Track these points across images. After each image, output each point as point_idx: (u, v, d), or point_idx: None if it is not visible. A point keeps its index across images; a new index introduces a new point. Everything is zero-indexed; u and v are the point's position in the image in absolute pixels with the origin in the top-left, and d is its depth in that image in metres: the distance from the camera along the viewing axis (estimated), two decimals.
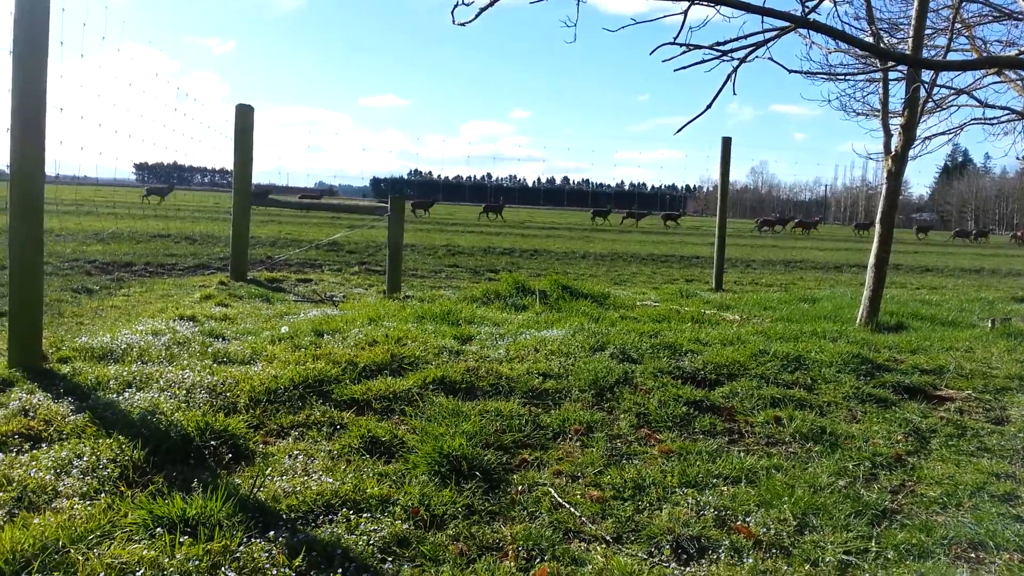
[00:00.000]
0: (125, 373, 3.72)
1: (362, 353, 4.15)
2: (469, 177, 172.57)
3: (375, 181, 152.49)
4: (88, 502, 2.37)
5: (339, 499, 2.52)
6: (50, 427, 3.01)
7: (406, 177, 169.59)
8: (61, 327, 5.18)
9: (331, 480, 2.65)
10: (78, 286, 7.35)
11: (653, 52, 4.93)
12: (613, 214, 50.77)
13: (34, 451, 2.78)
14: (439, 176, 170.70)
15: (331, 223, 22.43)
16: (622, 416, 3.54)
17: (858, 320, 6.19)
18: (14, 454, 2.75)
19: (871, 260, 6.16)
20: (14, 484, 2.44)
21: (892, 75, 6.69)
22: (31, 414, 3.13)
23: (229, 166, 8.63)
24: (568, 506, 2.61)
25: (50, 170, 4.08)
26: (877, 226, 6.21)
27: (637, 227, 42.61)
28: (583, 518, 2.54)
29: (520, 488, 2.74)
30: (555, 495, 2.68)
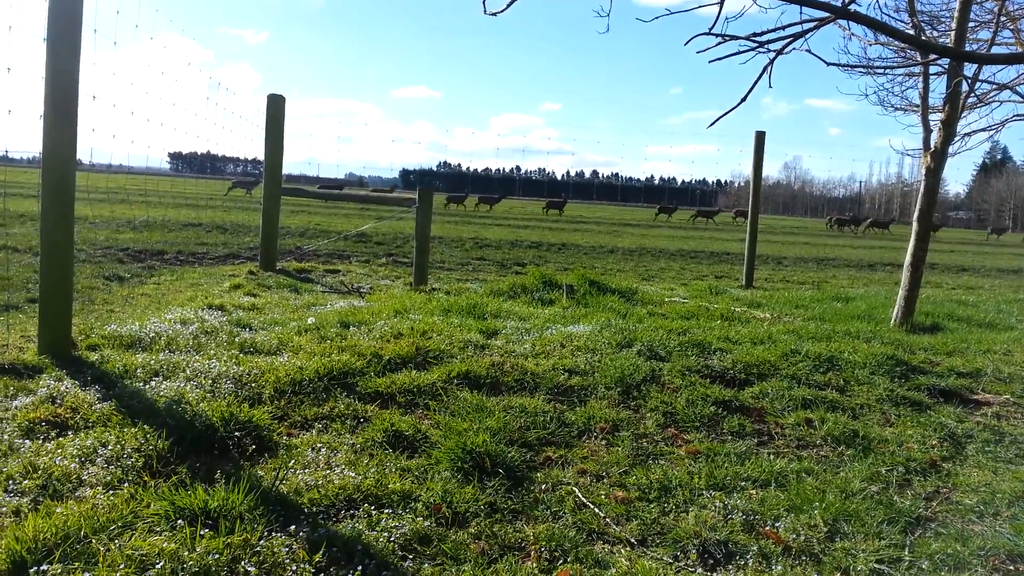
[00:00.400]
0: (152, 362, 3.74)
1: (387, 346, 4.14)
2: (498, 170, 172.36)
3: (404, 173, 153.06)
4: (111, 492, 2.37)
5: (361, 494, 2.50)
6: (77, 415, 3.03)
7: (435, 169, 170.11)
8: (91, 314, 5.24)
9: (353, 474, 2.63)
10: (110, 273, 7.44)
11: (688, 43, 4.84)
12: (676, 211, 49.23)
13: (60, 439, 2.80)
14: (468, 168, 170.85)
15: (360, 214, 22.55)
16: (649, 415, 3.48)
17: (892, 320, 6.05)
18: (41, 441, 2.77)
19: (907, 259, 6.01)
20: (39, 472, 2.46)
21: (932, 69, 6.51)
22: (58, 401, 3.15)
23: (261, 156, 8.68)
24: (592, 506, 2.56)
25: (84, 157, 4.12)
26: (914, 224, 6.05)
27: (667, 222, 42.03)
28: (607, 519, 2.49)
29: (544, 487, 2.70)
30: (579, 495, 2.64)
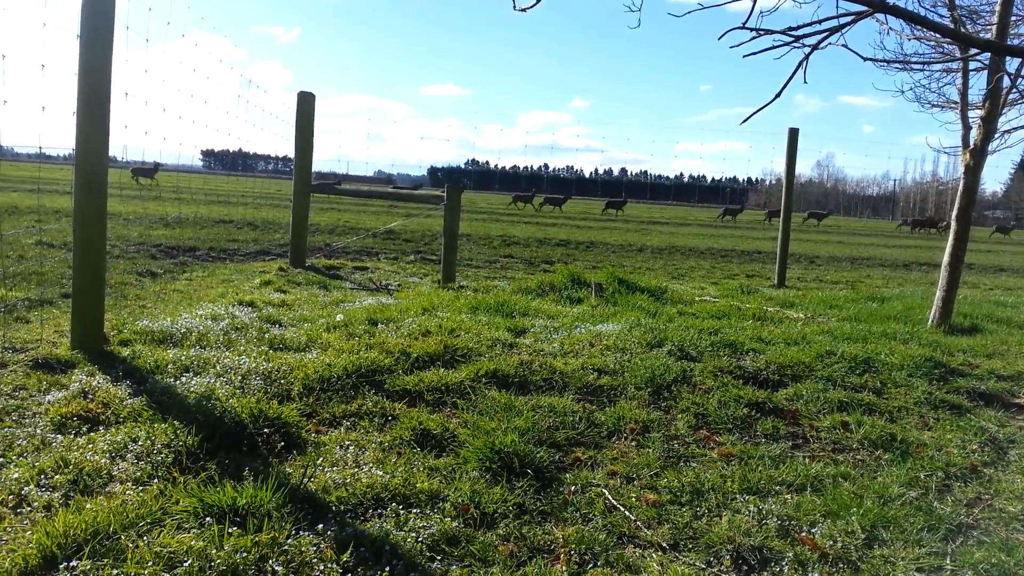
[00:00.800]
0: (183, 357, 3.77)
1: (415, 343, 4.12)
2: (526, 167, 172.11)
3: (432, 170, 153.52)
4: (141, 488, 2.38)
5: (389, 493, 2.48)
6: (108, 410, 3.05)
7: (463, 167, 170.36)
8: (124, 309, 5.30)
9: (381, 473, 2.61)
10: (143, 269, 7.54)
11: (722, 37, 4.76)
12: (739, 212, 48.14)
13: (91, 434, 2.82)
14: (496, 166, 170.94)
15: (389, 211, 22.64)
16: (680, 416, 3.42)
17: (930, 321, 5.91)
18: (72, 436, 2.79)
19: (945, 259, 5.87)
20: (71, 467, 2.47)
21: (972, 65, 6.34)
22: (90, 396, 3.18)
23: (291, 153, 8.73)
24: (623, 509, 2.52)
25: (117, 154, 4.16)
26: (952, 223, 5.90)
27: (697, 220, 41.46)
28: (638, 522, 2.45)
29: (573, 488, 2.66)
30: (609, 497, 2.60)
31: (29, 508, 2.23)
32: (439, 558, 2.14)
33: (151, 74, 5.16)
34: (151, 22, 4.65)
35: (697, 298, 7.01)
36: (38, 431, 2.83)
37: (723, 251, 17.09)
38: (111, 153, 4.15)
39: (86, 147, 3.92)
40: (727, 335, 4.64)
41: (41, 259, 7.47)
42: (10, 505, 2.25)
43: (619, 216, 38.28)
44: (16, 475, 2.41)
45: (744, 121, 4.15)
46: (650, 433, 3.21)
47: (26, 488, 2.33)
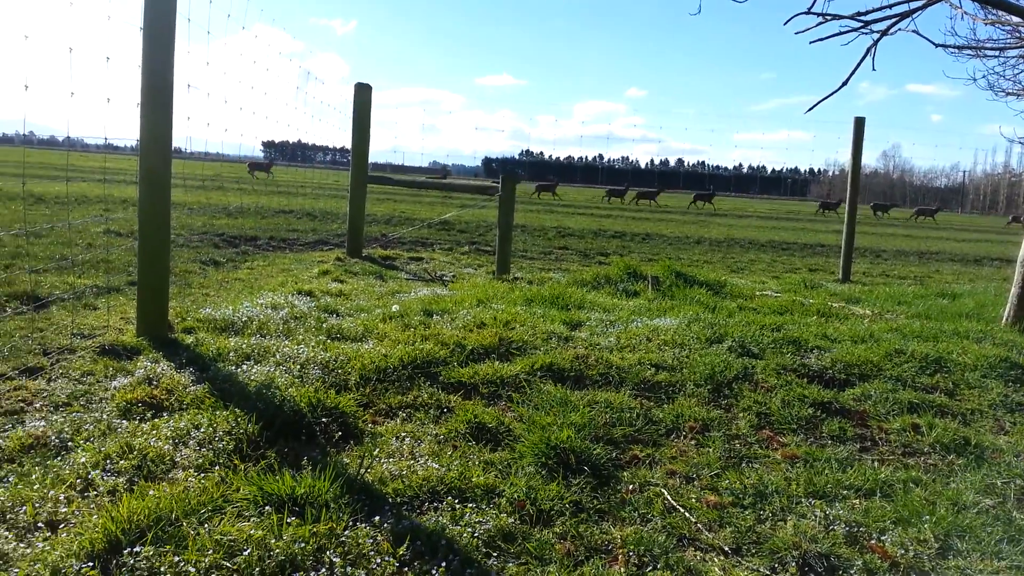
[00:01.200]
0: (244, 346, 3.83)
1: (470, 335, 4.11)
2: (581, 158, 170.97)
3: (487, 161, 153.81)
4: (202, 475, 2.41)
5: (444, 486, 2.47)
6: (171, 396, 3.12)
7: (517, 157, 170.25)
8: (188, 298, 5.42)
9: (437, 466, 2.60)
10: (206, 258, 7.72)
11: (787, 22, 4.59)
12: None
13: (155, 420, 2.88)
14: (551, 157, 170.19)
15: (443, 202, 22.76)
16: (741, 415, 3.33)
17: (1004, 320, 5.64)
18: (137, 422, 2.86)
19: (1021, 254, 5.59)
20: (135, 452, 2.53)
21: None
22: (154, 383, 3.25)
23: (348, 145, 8.82)
24: (682, 510, 2.45)
25: (182, 145, 4.24)
26: None
27: (756, 212, 40.45)
28: (699, 524, 2.38)
29: (631, 487, 2.60)
30: (668, 497, 2.53)
31: (95, 492, 2.29)
32: (495, 554, 2.11)
33: (212, 66, 5.24)
34: (212, 15, 4.72)
35: (758, 293, 6.84)
36: (104, 416, 2.90)
37: (784, 244, 16.68)
38: (176, 144, 4.23)
39: (151, 139, 4.00)
40: (790, 331, 4.50)
41: (108, 247, 7.71)
42: (78, 488, 2.31)
43: (706, 209, 37.49)
44: (83, 459, 2.47)
45: (809, 110, 4.01)
46: (710, 432, 3.13)
47: (93, 472, 2.39)
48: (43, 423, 2.81)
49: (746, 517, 2.45)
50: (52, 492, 2.25)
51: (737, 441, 3.08)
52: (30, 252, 6.91)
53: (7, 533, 2.02)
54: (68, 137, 4.01)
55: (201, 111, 4.92)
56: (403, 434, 2.93)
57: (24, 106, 3.67)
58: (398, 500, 2.37)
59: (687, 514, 2.43)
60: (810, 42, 3.47)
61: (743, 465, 2.86)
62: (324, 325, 4.45)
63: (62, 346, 3.94)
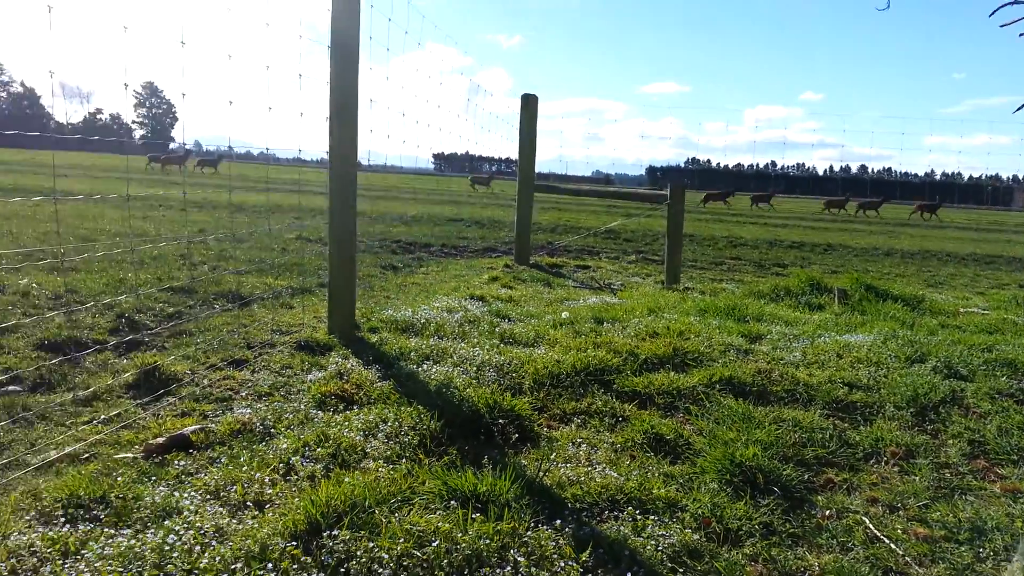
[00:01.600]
0: (423, 346, 3.97)
1: (643, 344, 4.02)
2: (751, 166, 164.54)
3: (651, 170, 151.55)
4: (391, 466, 2.51)
5: (624, 496, 2.41)
6: (360, 391, 3.28)
7: (682, 165, 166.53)
8: (371, 299, 5.72)
9: (615, 474, 2.55)
10: (385, 263, 8.13)
11: (993, 14, 4.15)
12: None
13: (347, 412, 3.03)
14: (718, 164, 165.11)
15: (608, 211, 22.67)
16: (950, 442, 3.00)
17: None
18: (330, 413, 3.03)
19: None
20: (330, 441, 2.67)
21: None
22: (345, 378, 3.44)
23: (515, 155, 8.98)
24: (888, 541, 2.24)
25: (362, 159, 4.48)
26: None
27: (952, 223, 36.67)
28: (907, 558, 2.16)
29: (827, 512, 2.41)
30: (870, 526, 2.32)
31: (296, 477, 2.43)
32: (681, 570, 2.02)
33: (391, 81, 5.51)
34: (391, 32, 4.95)
35: (962, 309, 6.20)
36: (302, 407, 3.10)
37: (987, 257, 15.10)
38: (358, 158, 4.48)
39: (339, 152, 4.26)
40: (1004, 352, 4.03)
41: (300, 252, 8.33)
42: (281, 472, 2.47)
43: (929, 220, 34.67)
44: (285, 445, 2.64)
45: (1018, 110, 3.59)
46: (915, 459, 2.85)
47: (293, 458, 2.55)
48: (248, 410, 3.05)
49: (962, 554, 2.19)
50: (258, 474, 2.42)
51: (947, 470, 2.77)
52: (233, 255, 7.59)
53: (221, 509, 2.19)
54: (266, 149, 4.34)
55: (381, 124, 5.18)
56: (579, 440, 2.90)
57: (227, 122, 4.02)
58: (577, 506, 2.34)
59: (893, 546, 2.21)
60: (1020, 34, 3.11)
61: (955, 497, 2.57)
62: (496, 329, 4.52)
63: (263, 341, 4.27)
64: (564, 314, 5.08)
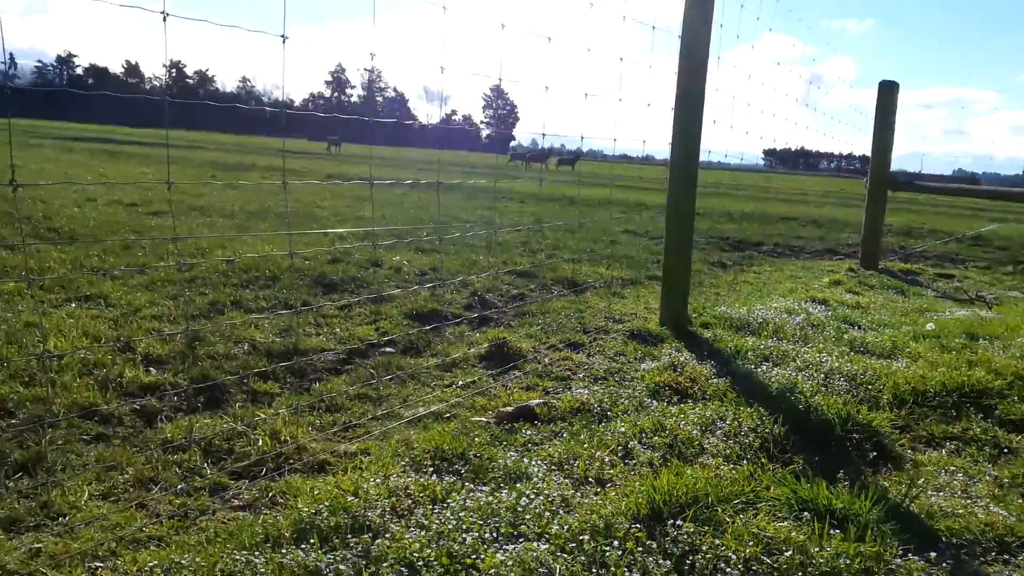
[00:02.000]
0: (761, 347, 3.76)
1: None
2: None
3: None
4: (731, 465, 2.40)
5: (1015, 538, 2.02)
6: (695, 385, 3.20)
7: None
8: (700, 295, 5.60)
9: (1002, 512, 2.15)
10: (714, 260, 7.93)
11: None
12: None
13: (681, 404, 2.98)
14: None
15: (972, 215, 19.69)
16: None
17: None
18: (664, 403, 3.00)
19: None
20: (666, 431, 2.64)
21: None
22: (678, 370, 3.39)
23: (855, 151, 8.18)
24: None
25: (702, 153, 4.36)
26: None
27: None
28: None
29: None
30: None
31: (634, 461, 2.44)
32: None
33: (738, 69, 5.28)
34: (742, 18, 4.74)
35: None
36: (636, 394, 3.12)
37: None
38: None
39: (682, 146, 4.20)
40: None
41: (628, 244, 8.46)
42: (619, 454, 2.50)
43: None
44: (622, 429, 2.67)
45: None
46: None
47: (631, 443, 2.56)
48: (585, 391, 3.15)
49: None
50: (598, 453, 2.47)
51: None
52: (567, 245, 7.96)
53: (566, 481, 2.27)
54: (614, 142, 4.43)
55: (724, 114, 5.00)
56: (952, 468, 2.51)
57: (580, 120, 4.15)
58: (954, 540, 2.01)
59: None
60: None
61: None
62: (844, 336, 4.14)
63: (597, 327, 4.40)
64: (929, 326, 4.48)
